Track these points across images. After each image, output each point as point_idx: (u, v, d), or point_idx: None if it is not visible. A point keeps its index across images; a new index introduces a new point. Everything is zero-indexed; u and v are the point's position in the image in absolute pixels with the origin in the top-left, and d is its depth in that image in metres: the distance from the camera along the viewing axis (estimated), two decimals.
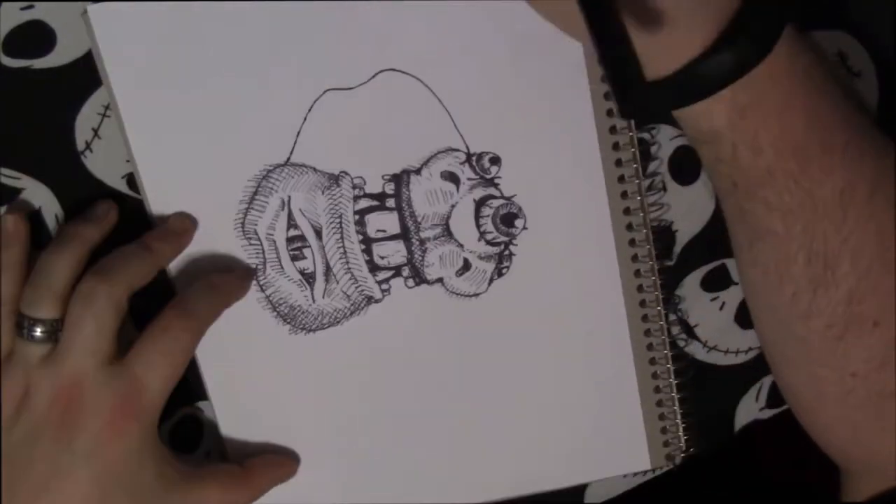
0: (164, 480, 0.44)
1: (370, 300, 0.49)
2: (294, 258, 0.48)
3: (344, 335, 0.49)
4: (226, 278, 0.47)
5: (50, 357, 0.43)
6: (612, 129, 0.48)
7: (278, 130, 0.47)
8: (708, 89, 0.40)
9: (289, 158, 0.47)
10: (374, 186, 0.48)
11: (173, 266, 0.47)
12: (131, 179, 0.47)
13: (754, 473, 0.59)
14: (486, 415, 0.51)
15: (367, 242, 0.48)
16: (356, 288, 0.49)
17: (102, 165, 0.47)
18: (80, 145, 0.47)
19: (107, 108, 0.46)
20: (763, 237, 0.43)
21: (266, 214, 0.48)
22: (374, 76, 0.47)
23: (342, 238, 0.48)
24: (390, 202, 0.48)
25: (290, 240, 0.48)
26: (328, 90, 0.46)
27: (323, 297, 0.49)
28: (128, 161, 0.47)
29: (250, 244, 0.48)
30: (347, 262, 0.49)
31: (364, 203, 0.48)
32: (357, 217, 0.48)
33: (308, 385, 0.50)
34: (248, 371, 0.49)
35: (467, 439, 0.51)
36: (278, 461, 0.49)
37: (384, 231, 0.48)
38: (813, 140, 0.41)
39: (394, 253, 0.49)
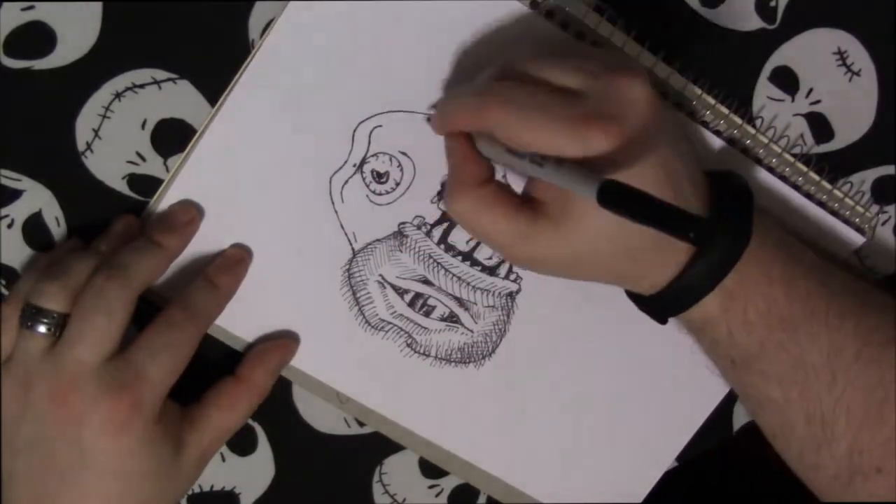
0: (175, 453, 0.44)
1: (512, 295, 0.50)
2: (427, 314, 0.50)
3: (515, 337, 0.51)
4: (224, 278, 0.47)
5: (51, 351, 0.42)
6: None
7: (332, 241, 0.49)
8: (703, 291, 0.43)
9: (354, 250, 0.49)
10: (432, 214, 0.49)
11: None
12: (131, 180, 0.47)
13: (760, 469, 0.59)
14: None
15: (467, 257, 0.50)
16: (492, 295, 0.50)
17: (103, 166, 0.47)
18: (81, 146, 0.47)
19: (107, 108, 0.46)
20: (765, 406, 0.47)
21: (377, 301, 0.49)
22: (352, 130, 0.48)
23: (446, 270, 0.50)
24: None
25: (411, 304, 0.50)
26: (333, 176, 0.48)
27: (476, 322, 0.50)
28: (136, 155, 0.47)
29: (387, 332, 0.50)
30: (468, 283, 0.50)
31: (438, 231, 0.49)
32: (442, 245, 0.49)
33: (514, 401, 0.52)
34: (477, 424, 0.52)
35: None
36: (269, 350, 0.48)
37: (472, 238, 0.50)
38: (796, 309, 0.44)
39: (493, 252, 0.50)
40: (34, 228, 0.47)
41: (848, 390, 0.44)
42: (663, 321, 0.46)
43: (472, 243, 0.50)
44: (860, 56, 0.51)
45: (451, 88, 0.47)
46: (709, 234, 0.41)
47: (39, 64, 0.45)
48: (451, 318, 0.50)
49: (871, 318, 0.45)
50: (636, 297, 0.47)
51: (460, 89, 0.45)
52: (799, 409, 0.45)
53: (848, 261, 0.52)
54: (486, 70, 0.44)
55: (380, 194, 0.48)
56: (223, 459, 0.51)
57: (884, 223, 0.53)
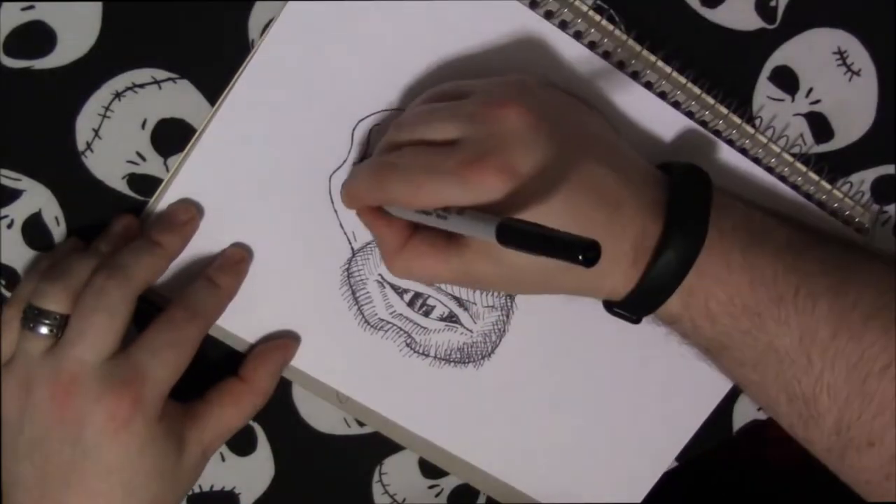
0: (177, 451, 0.44)
1: (511, 295, 0.51)
2: (426, 314, 0.50)
3: (515, 337, 0.51)
4: (225, 278, 0.47)
5: (51, 351, 0.42)
6: None
7: (331, 240, 0.49)
8: (665, 294, 0.43)
9: (353, 250, 0.49)
10: None
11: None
12: (132, 180, 0.47)
13: (760, 469, 0.59)
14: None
15: None
16: (491, 295, 0.50)
17: (102, 166, 0.47)
18: (81, 146, 0.47)
19: (107, 108, 0.46)
20: (746, 386, 0.47)
21: (376, 301, 0.50)
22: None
23: None
24: None
25: (410, 304, 0.50)
26: (333, 175, 0.48)
27: (475, 322, 0.50)
28: (136, 155, 0.47)
29: (386, 332, 0.50)
30: None
31: None
32: None
33: (514, 401, 0.52)
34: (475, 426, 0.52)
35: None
36: (270, 350, 0.49)
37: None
38: (761, 295, 0.43)
39: None
40: (34, 228, 0.47)
41: (826, 371, 0.44)
42: (636, 321, 0.46)
43: None
44: (860, 56, 0.51)
45: (355, 164, 0.48)
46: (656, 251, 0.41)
47: (39, 64, 0.46)
48: (451, 318, 0.50)
49: (850, 296, 0.44)
50: (605, 303, 0.46)
51: (358, 167, 0.46)
52: (778, 389, 0.45)
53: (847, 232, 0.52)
54: (380, 142, 0.45)
55: None
56: (223, 459, 0.51)
57: (884, 223, 0.53)
